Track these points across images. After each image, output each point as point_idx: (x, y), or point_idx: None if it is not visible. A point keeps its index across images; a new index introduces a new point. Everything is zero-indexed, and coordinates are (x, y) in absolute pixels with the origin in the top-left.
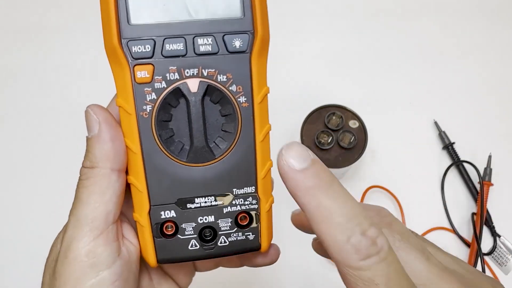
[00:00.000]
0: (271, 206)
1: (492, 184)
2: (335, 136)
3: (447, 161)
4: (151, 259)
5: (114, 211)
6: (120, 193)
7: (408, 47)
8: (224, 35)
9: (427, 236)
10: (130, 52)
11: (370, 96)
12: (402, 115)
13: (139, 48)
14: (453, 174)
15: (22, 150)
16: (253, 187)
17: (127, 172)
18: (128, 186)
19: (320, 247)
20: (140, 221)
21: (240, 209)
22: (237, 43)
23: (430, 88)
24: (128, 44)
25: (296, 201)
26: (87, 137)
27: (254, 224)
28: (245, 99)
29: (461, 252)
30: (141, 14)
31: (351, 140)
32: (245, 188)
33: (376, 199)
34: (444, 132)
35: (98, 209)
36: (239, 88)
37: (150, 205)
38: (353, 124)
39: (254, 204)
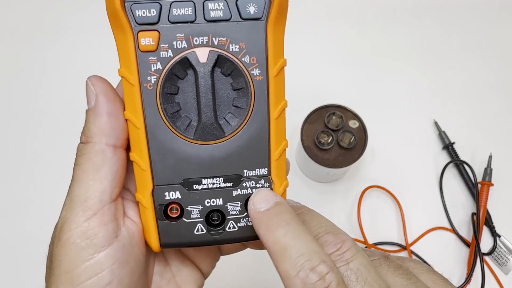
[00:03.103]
0: (285, 190)
1: (492, 184)
2: (335, 136)
3: (447, 161)
4: (154, 243)
5: (111, 189)
6: (117, 170)
7: (408, 47)
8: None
9: (427, 236)
10: (133, 16)
11: (370, 96)
12: (402, 115)
13: (144, 12)
14: (453, 174)
15: (28, 148)
16: (266, 168)
17: (129, 149)
18: (131, 164)
19: None
20: (142, 201)
21: (251, 192)
22: (252, 9)
23: (430, 88)
24: (132, 7)
25: (260, 239)
26: (86, 110)
27: None
28: (259, 71)
29: (461, 252)
30: None
31: (351, 140)
32: (257, 170)
33: (376, 199)
34: (444, 132)
35: (91, 188)
36: (253, 60)
37: (153, 185)
38: (353, 124)
39: (267, 187)
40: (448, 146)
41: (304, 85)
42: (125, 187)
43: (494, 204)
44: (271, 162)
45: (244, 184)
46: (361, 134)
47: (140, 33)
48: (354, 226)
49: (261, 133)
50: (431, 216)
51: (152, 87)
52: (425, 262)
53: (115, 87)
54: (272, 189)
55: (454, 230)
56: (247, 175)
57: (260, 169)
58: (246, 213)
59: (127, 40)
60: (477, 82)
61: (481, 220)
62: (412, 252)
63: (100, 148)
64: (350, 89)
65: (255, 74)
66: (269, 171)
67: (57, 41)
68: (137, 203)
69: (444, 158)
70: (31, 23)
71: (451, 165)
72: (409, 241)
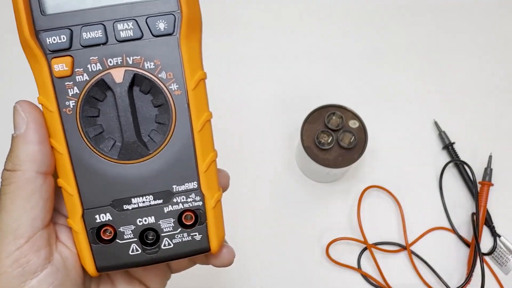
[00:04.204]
0: (218, 202)
1: (492, 184)
2: (335, 136)
3: (447, 161)
4: (90, 267)
5: (42, 215)
6: (48, 197)
7: (408, 46)
8: (147, 18)
9: (426, 236)
10: (45, 44)
11: (370, 96)
12: (402, 115)
13: (54, 39)
14: (453, 174)
15: None
16: (195, 182)
17: (57, 175)
18: (60, 189)
19: None
20: (73, 226)
21: (182, 207)
22: (162, 26)
23: (430, 88)
24: (43, 35)
25: None
26: (12, 135)
27: (200, 224)
28: (177, 86)
29: (461, 252)
30: (55, 2)
31: (351, 140)
32: (186, 184)
33: (376, 199)
34: (444, 132)
35: (22, 216)
36: (170, 75)
37: (83, 209)
38: (353, 124)
39: (198, 201)
40: (448, 146)
41: (304, 85)
42: (59, 211)
43: (494, 204)
44: (199, 174)
45: (175, 200)
46: (361, 134)
47: (53, 60)
48: (354, 226)
49: (186, 147)
50: (431, 216)
51: (71, 112)
52: (425, 262)
53: None
54: (204, 203)
55: (454, 230)
56: (177, 190)
57: (189, 183)
58: (180, 229)
59: (42, 67)
60: (477, 82)
61: (481, 220)
62: (412, 252)
63: (30, 176)
64: (350, 89)
65: (173, 89)
66: (198, 184)
67: None
68: (70, 227)
69: (444, 158)
70: None
71: (451, 165)
72: (409, 241)
